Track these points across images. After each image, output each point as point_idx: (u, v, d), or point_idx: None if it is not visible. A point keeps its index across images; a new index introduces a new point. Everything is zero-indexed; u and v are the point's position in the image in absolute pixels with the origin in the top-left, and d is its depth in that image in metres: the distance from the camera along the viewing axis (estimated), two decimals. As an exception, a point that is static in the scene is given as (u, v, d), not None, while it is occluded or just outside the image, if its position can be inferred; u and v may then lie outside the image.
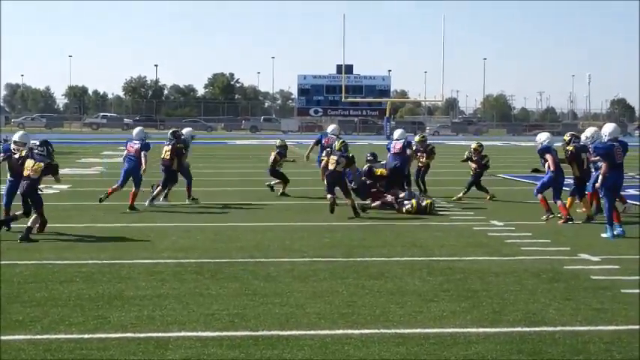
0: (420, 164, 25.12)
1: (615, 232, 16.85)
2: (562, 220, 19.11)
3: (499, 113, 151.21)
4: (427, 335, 9.43)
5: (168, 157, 22.67)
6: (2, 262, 13.51)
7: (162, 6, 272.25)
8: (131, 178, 21.51)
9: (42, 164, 16.54)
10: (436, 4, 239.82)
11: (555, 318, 10.27)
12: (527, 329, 9.73)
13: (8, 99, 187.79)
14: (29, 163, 16.54)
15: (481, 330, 9.68)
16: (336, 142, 22.10)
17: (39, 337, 9.25)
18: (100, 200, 21.44)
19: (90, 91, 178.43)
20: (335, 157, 20.85)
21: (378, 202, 21.42)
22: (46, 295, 11.25)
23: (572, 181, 20.10)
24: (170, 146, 22.80)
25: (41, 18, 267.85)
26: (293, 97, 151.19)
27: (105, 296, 11.23)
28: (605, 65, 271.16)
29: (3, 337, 9.20)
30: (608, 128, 17.39)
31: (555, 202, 19.50)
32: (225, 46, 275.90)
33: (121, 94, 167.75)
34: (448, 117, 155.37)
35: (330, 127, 25.48)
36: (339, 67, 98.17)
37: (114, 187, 21.75)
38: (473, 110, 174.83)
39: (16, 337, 9.24)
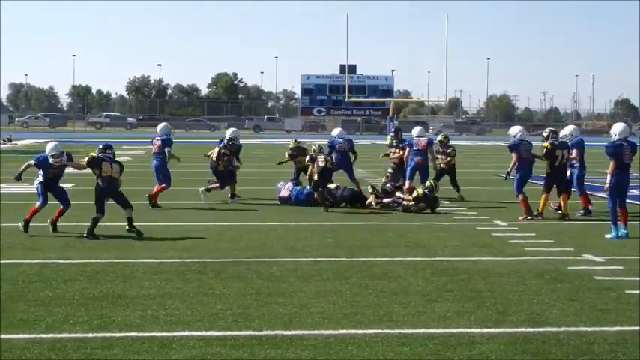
0: (442, 165, 24.46)
1: (619, 234, 16.84)
2: (522, 217, 19.64)
3: (502, 113, 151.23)
4: (431, 335, 9.43)
5: (215, 159, 23.27)
6: (6, 262, 13.51)
7: (166, 5, 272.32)
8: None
9: (118, 167, 17.45)
10: (439, 3, 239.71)
11: (559, 318, 10.26)
12: (531, 329, 9.73)
13: (12, 98, 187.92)
14: (106, 167, 17.19)
15: (485, 330, 9.67)
16: (314, 146, 23.16)
17: (43, 335, 9.25)
18: (153, 205, 21.63)
19: (93, 91, 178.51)
20: (323, 157, 21.92)
21: (383, 201, 21.48)
22: (50, 294, 11.26)
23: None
24: (217, 148, 23.35)
25: (45, 17, 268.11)
26: (296, 96, 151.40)
27: (109, 295, 11.24)
28: (608, 65, 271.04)
29: (6, 336, 9.21)
30: (618, 128, 17.35)
31: (516, 196, 20.06)
32: (229, 45, 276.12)
33: (125, 93, 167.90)
34: (451, 117, 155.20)
35: (337, 131, 25.34)
36: (342, 66, 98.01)
37: (158, 186, 22.15)
38: (476, 110, 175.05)
39: (20, 335, 9.24)
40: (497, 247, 15.58)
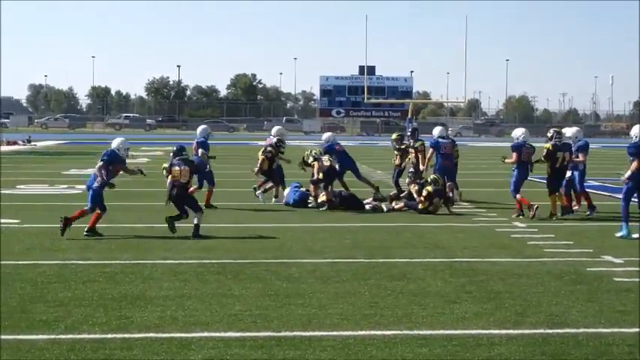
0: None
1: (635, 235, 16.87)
2: (515, 214, 20.13)
3: (521, 114, 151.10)
4: (450, 337, 9.41)
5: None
6: (25, 263, 13.57)
7: (185, 6, 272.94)
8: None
9: (187, 168, 17.34)
10: (458, 4, 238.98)
11: (578, 320, 10.24)
12: (550, 331, 9.70)
13: (32, 99, 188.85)
14: (175, 171, 17.27)
15: (504, 332, 9.65)
16: (314, 150, 23.22)
17: (62, 336, 9.28)
18: (211, 206, 21.68)
19: (113, 92, 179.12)
20: (327, 157, 22.57)
21: (394, 207, 21.50)
22: (69, 295, 11.29)
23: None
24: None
25: (64, 18, 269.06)
26: (315, 98, 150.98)
27: (128, 296, 11.27)
28: (628, 66, 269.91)
29: (26, 337, 9.24)
30: (638, 128, 17.29)
31: (514, 197, 20.35)
32: (248, 46, 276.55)
33: (144, 94, 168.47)
34: (470, 118, 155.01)
35: (326, 135, 25.27)
36: (361, 68, 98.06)
37: (209, 189, 22.32)
38: (495, 111, 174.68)
39: (40, 336, 9.27)
40: (516, 249, 15.54)
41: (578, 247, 15.72)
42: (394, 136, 25.74)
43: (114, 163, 17.36)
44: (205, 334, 9.44)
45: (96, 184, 17.08)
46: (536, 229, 17.89)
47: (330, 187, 22.03)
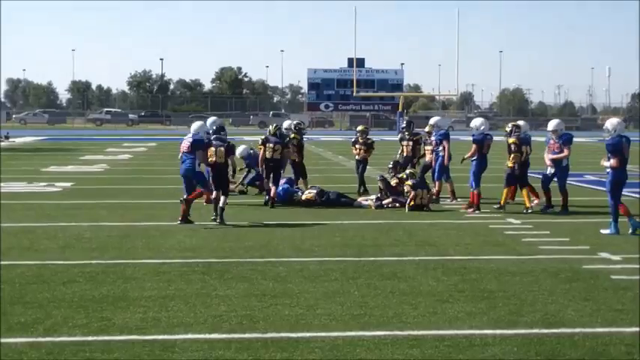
0: (427, 159, 23.87)
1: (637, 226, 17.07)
2: (465, 206, 20.79)
3: (516, 108, 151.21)
4: (442, 337, 9.42)
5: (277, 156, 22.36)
6: (4, 263, 13.52)
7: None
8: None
9: (222, 149, 18.64)
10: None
11: (574, 319, 10.25)
12: (546, 331, 9.72)
13: (9, 94, 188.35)
14: (211, 151, 18.62)
15: (498, 332, 9.66)
16: (270, 127, 22.80)
17: (41, 339, 9.25)
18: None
19: (93, 86, 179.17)
20: (272, 144, 21.69)
21: (382, 203, 21.51)
22: (48, 297, 11.26)
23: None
24: (276, 144, 22.61)
25: (43, 10, 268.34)
26: (303, 91, 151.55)
27: (109, 297, 11.24)
28: (625, 58, 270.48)
29: (4, 340, 9.21)
30: (614, 123, 17.51)
31: (474, 190, 20.64)
32: (233, 39, 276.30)
33: (126, 89, 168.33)
34: (463, 112, 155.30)
35: (286, 123, 25.24)
36: (350, 60, 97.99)
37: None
38: (489, 105, 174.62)
39: (18, 339, 9.24)
40: (510, 246, 15.56)
41: (574, 244, 15.74)
42: (404, 124, 25.46)
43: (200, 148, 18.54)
44: (189, 336, 9.42)
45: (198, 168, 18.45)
46: (531, 226, 17.91)
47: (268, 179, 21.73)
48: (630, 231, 17.02)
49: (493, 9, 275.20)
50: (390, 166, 23.45)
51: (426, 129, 23.51)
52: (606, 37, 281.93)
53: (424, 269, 13.24)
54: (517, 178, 20.99)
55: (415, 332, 9.62)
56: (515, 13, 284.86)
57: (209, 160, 18.68)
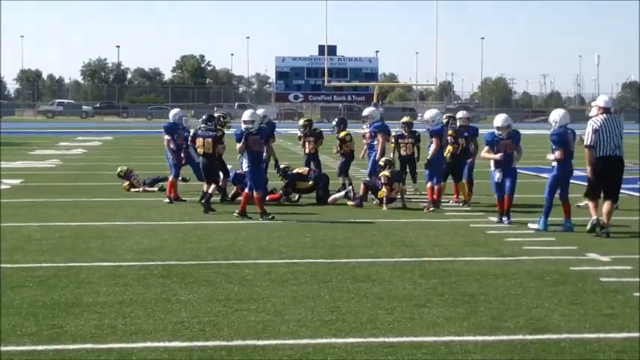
0: (403, 152, 23.69)
1: (565, 227, 17.47)
2: (428, 208, 20.73)
3: (499, 98, 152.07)
4: (419, 344, 9.44)
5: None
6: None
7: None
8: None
9: (210, 139, 19.88)
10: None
11: (561, 324, 10.30)
12: (530, 337, 9.75)
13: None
14: (199, 142, 20.03)
15: (479, 338, 9.69)
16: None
17: (-13, 349, 9.21)
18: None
19: (44, 76, 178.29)
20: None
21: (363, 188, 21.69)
22: (-5, 303, 11.21)
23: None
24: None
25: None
26: (270, 81, 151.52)
27: (61, 303, 11.19)
28: (615, 45, 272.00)
29: (-53, 350, 9.17)
30: (559, 114, 17.95)
31: (434, 185, 20.86)
32: (195, 24, 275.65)
33: (79, 78, 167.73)
34: (442, 103, 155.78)
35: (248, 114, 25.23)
36: (321, 47, 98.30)
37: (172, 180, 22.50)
38: (470, 95, 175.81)
39: (-38, 349, 9.20)
40: (492, 246, 15.62)
41: (561, 244, 15.81)
42: (406, 118, 24.50)
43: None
44: (148, 344, 9.40)
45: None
46: (514, 225, 17.97)
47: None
48: (560, 229, 17.39)
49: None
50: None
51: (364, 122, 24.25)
52: (595, 23, 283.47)
53: (400, 272, 13.26)
54: (451, 170, 21.70)
55: (390, 339, 9.63)
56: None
57: (197, 151, 20.14)
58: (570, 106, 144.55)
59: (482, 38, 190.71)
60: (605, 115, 17.24)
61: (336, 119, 25.31)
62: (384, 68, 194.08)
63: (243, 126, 18.89)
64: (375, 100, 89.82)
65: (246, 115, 19.16)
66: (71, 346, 9.29)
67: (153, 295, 11.64)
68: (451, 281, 12.61)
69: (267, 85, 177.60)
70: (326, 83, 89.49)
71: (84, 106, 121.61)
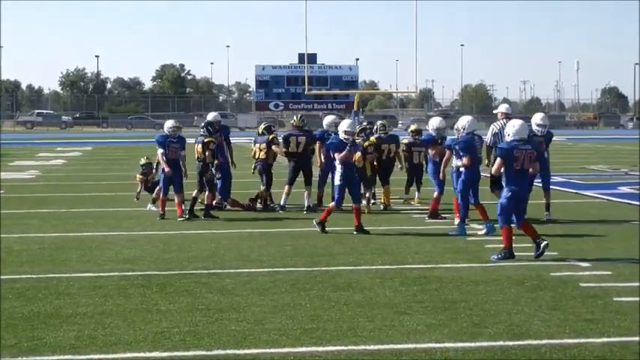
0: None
1: (487, 231, 17.84)
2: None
3: (479, 105, 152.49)
4: (400, 351, 9.45)
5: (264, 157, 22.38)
6: None
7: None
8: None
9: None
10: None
11: (541, 330, 10.33)
12: (511, 343, 9.77)
13: None
14: (198, 147, 21.09)
15: (459, 345, 9.71)
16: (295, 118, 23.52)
17: (-34, 361, 9.19)
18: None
19: (23, 86, 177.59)
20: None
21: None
22: (-26, 315, 11.17)
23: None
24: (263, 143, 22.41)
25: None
26: (250, 89, 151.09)
27: (40, 315, 11.16)
28: (595, 51, 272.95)
29: None
30: (467, 121, 18.38)
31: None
32: (175, 34, 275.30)
33: (59, 88, 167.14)
34: (423, 110, 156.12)
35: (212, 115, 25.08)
36: (301, 56, 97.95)
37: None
38: (450, 102, 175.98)
39: (-59, 362, 9.17)
40: (472, 253, 15.65)
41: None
42: (413, 127, 24.65)
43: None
44: (128, 354, 9.39)
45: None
46: (494, 232, 17.99)
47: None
48: (484, 231, 17.86)
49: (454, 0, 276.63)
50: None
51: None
52: (574, 28, 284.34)
53: (381, 279, 13.27)
54: (380, 177, 22.78)
55: (371, 347, 9.64)
56: (477, 4, 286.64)
57: (196, 157, 21.01)
58: (550, 112, 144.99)
59: (462, 45, 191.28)
60: (506, 119, 19.06)
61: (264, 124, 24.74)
62: (365, 76, 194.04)
63: (344, 136, 18.42)
64: (355, 108, 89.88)
65: (345, 125, 18.80)
66: (51, 358, 9.28)
67: (133, 306, 11.62)
68: (432, 288, 12.63)
69: (248, 94, 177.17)
70: (306, 91, 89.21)
71: (63, 117, 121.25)
